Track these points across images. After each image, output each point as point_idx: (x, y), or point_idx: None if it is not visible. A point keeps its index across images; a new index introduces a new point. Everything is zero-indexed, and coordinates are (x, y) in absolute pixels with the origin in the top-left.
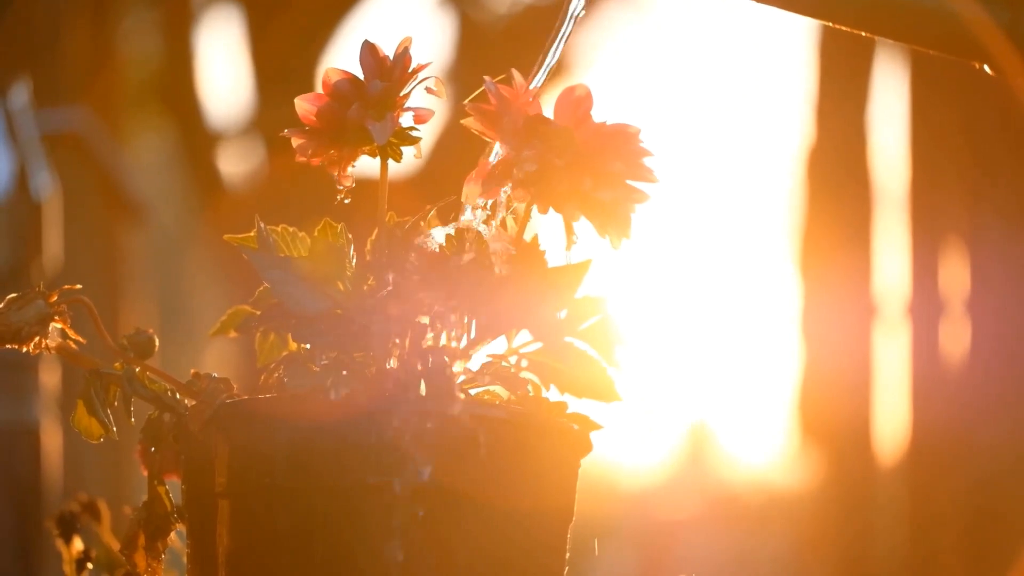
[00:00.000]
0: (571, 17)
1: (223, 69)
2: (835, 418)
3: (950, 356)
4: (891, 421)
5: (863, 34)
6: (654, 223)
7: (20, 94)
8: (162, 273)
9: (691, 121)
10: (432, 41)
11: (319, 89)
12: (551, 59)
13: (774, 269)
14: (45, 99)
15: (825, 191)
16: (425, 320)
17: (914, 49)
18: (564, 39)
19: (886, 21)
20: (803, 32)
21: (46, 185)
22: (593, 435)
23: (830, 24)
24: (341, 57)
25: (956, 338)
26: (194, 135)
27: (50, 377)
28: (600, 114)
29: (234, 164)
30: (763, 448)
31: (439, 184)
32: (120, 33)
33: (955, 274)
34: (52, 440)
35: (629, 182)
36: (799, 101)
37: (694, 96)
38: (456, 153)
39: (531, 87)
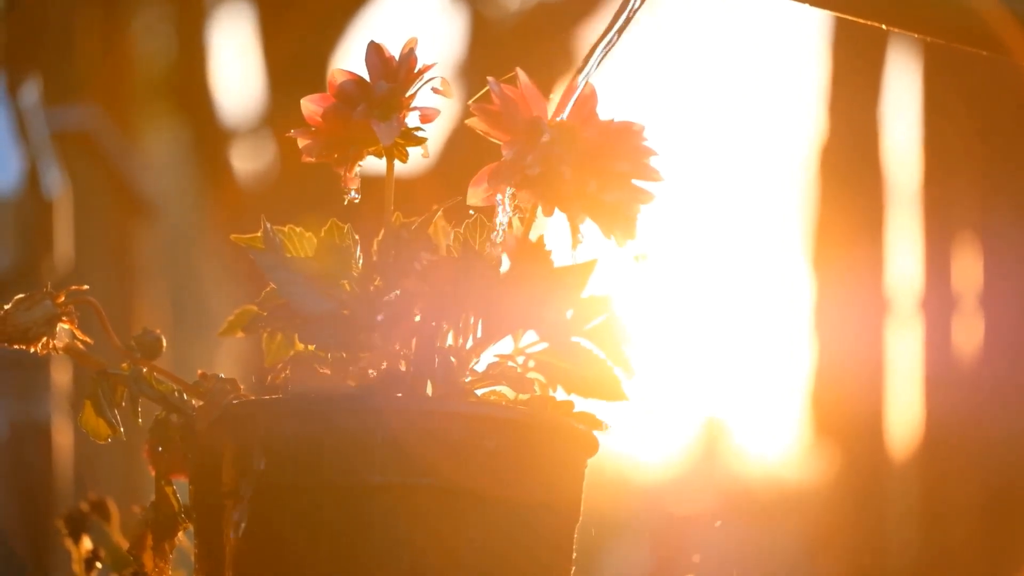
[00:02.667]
0: (630, 9)
1: (234, 67)
2: (848, 413)
3: (962, 351)
4: (904, 416)
5: (881, 26)
6: (666, 219)
7: (31, 92)
8: (173, 270)
9: (703, 116)
10: (445, 37)
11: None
12: (605, 49)
13: (787, 264)
14: (56, 97)
15: (838, 186)
16: (432, 321)
17: (928, 43)
18: (620, 31)
19: (904, 13)
20: (815, 27)
21: (57, 183)
22: (601, 433)
23: (849, 17)
24: (354, 53)
25: (968, 333)
26: (205, 133)
27: (61, 375)
28: (605, 112)
29: (245, 161)
30: (776, 443)
31: (453, 182)
32: (131, 31)
33: (968, 269)
34: (63, 437)
35: (635, 182)
36: (812, 96)
37: (706, 91)
38: (471, 151)
39: (583, 76)
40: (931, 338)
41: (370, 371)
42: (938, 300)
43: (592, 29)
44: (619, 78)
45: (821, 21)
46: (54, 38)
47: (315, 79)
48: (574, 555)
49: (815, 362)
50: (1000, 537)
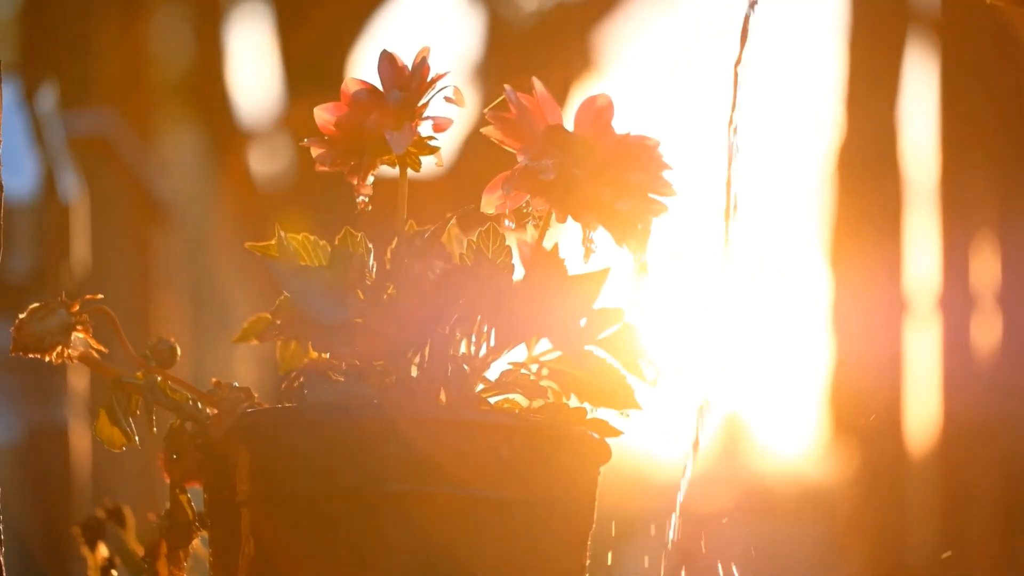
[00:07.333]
0: (751, 4)
1: (252, 70)
2: (867, 411)
3: (981, 349)
4: (922, 413)
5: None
6: (683, 219)
7: (48, 97)
8: (191, 275)
9: (720, 114)
10: (462, 38)
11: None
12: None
13: (805, 263)
14: (73, 101)
15: (856, 184)
16: (445, 329)
17: (946, 40)
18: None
19: None
20: (833, 24)
21: (74, 188)
22: (615, 438)
23: None
24: (370, 56)
25: (987, 331)
26: (223, 136)
27: (78, 380)
28: (622, 125)
29: (263, 165)
30: (796, 441)
31: (470, 185)
32: (148, 36)
33: (986, 266)
34: (80, 442)
35: (650, 194)
36: (830, 94)
37: (724, 88)
38: (487, 153)
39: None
40: (950, 336)
41: (384, 379)
42: (956, 298)
43: (610, 25)
44: (636, 75)
45: (839, 18)
46: (71, 42)
47: (332, 81)
48: (588, 561)
49: (835, 360)
50: (1019, 534)
